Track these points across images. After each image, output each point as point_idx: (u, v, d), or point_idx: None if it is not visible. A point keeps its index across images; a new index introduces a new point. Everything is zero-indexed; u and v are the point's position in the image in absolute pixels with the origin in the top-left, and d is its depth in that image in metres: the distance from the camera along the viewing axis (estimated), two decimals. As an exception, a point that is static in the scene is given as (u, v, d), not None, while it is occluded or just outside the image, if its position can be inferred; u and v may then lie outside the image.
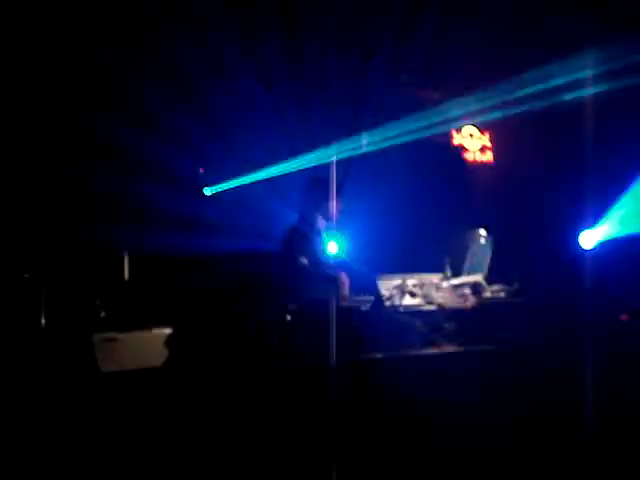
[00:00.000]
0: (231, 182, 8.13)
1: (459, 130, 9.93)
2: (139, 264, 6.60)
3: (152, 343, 4.18)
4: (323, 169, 7.39)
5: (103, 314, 4.99)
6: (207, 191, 8.13)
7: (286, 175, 7.99)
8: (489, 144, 10.08)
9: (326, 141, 7.89)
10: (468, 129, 9.99)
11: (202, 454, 3.48)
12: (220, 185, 8.15)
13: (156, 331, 4.28)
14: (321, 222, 5.57)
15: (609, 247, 7.16)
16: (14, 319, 4.95)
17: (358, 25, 7.31)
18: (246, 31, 7.09)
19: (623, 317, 3.82)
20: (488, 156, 10.06)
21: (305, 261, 5.28)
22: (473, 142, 10.04)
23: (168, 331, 4.30)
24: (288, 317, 4.34)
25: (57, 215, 6.76)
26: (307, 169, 7.87)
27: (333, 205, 5.50)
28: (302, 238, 5.44)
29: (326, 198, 5.48)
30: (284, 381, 3.73)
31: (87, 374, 3.72)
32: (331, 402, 3.65)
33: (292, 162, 8.08)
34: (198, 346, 4.26)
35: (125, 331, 4.20)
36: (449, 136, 9.77)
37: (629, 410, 3.79)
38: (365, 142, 8.42)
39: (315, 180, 5.60)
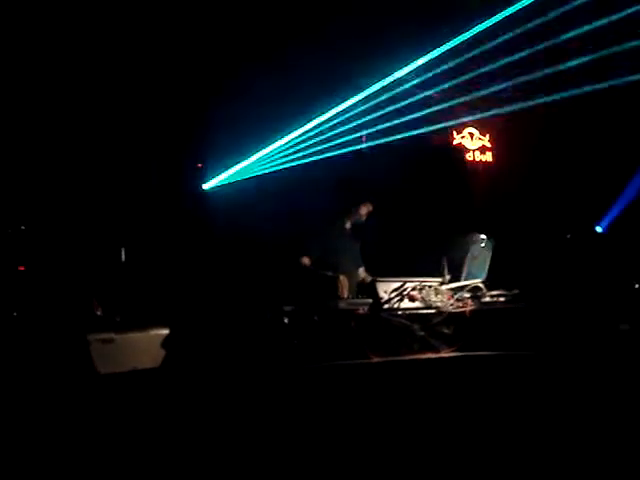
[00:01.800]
0: (233, 177, 8.11)
1: (459, 130, 9.91)
2: (137, 263, 6.59)
3: (150, 343, 4.16)
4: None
5: (99, 313, 4.98)
6: (205, 186, 8.10)
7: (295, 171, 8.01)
8: (489, 145, 10.06)
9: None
10: (468, 129, 9.97)
11: (199, 456, 3.47)
12: (220, 181, 8.12)
13: (154, 332, 4.26)
14: (349, 222, 5.61)
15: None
16: (10, 316, 4.95)
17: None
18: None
19: (623, 326, 3.80)
20: (488, 157, 10.03)
21: (307, 261, 5.28)
22: (473, 142, 10.02)
23: (166, 332, 4.29)
24: (285, 320, 4.32)
25: (54, 210, 6.74)
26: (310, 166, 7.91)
27: (367, 208, 5.56)
28: (312, 238, 5.45)
29: (359, 200, 5.55)
30: (281, 383, 3.72)
31: (83, 375, 3.72)
32: (329, 404, 3.63)
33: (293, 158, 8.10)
34: (196, 347, 4.25)
35: (122, 332, 4.18)
36: (449, 136, 9.76)
37: (627, 415, 3.78)
38: (365, 141, 8.42)
39: (347, 181, 5.66)
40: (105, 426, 3.35)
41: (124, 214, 7.02)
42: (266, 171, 8.14)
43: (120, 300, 5.48)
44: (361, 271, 5.56)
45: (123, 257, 6.56)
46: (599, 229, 8.23)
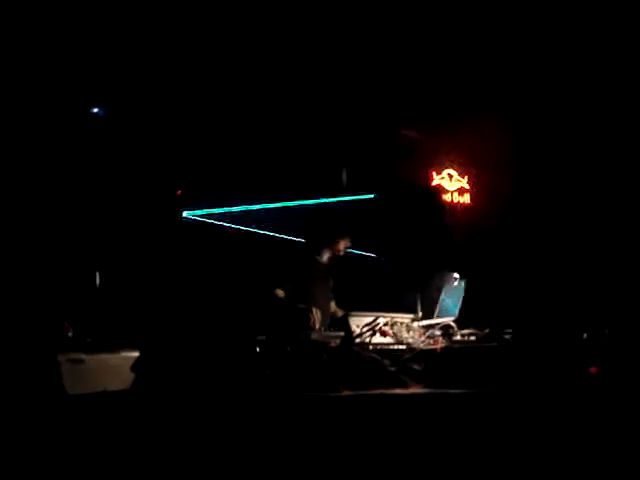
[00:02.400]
0: (215, 209, 8.14)
1: (439, 171, 10.04)
2: (112, 285, 6.56)
3: (120, 366, 4.14)
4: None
5: (71, 334, 4.95)
6: (185, 214, 8.11)
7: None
8: (467, 186, 10.19)
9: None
10: (447, 170, 10.10)
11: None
12: (202, 210, 8.14)
13: (125, 354, 4.25)
14: (326, 256, 5.65)
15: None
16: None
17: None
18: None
19: (592, 370, 3.84)
20: (466, 198, 10.16)
21: (280, 293, 5.31)
22: (452, 184, 10.14)
23: (136, 354, 4.27)
24: (257, 349, 4.33)
25: (27, 229, 6.71)
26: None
27: (346, 242, 5.61)
28: (287, 270, 5.49)
29: (340, 235, 5.59)
30: (251, 412, 3.72)
31: (52, 395, 3.69)
32: (295, 437, 3.64)
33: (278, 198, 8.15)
34: (167, 372, 4.24)
35: (93, 352, 4.16)
36: (428, 177, 9.89)
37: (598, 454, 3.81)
38: (345, 178, 8.51)
39: (328, 213, 5.72)
40: (70, 446, 3.33)
41: (101, 235, 7.00)
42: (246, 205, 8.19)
43: (92, 321, 5.46)
44: (332, 305, 5.61)
45: (97, 279, 6.54)
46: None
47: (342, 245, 5.69)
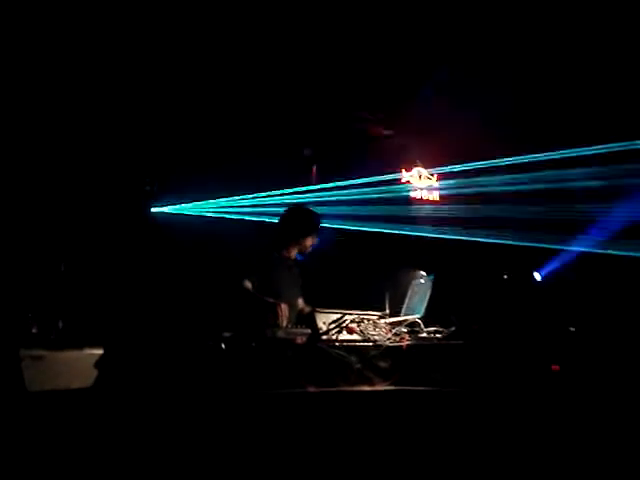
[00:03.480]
0: (185, 204, 8.10)
1: (408, 168, 10.07)
2: (77, 280, 6.49)
3: (83, 363, 4.08)
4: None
5: (35, 330, 4.87)
6: (155, 208, 8.06)
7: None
8: (436, 184, 10.24)
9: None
10: (417, 169, 10.14)
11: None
12: (172, 204, 8.10)
13: (88, 351, 4.19)
14: (293, 252, 5.64)
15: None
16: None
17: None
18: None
19: (554, 367, 3.88)
20: (435, 196, 10.20)
21: (249, 285, 5.28)
22: (421, 182, 10.18)
23: (100, 352, 4.21)
24: (222, 345, 4.29)
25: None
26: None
27: (313, 239, 5.60)
28: (255, 264, 5.46)
29: (308, 231, 5.58)
30: (216, 409, 3.70)
31: (13, 392, 3.63)
32: (263, 432, 3.62)
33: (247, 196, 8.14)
34: (130, 368, 4.19)
35: (55, 349, 4.10)
36: (398, 173, 9.91)
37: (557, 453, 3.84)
38: (315, 173, 8.50)
39: (299, 211, 5.70)
40: (32, 446, 3.29)
41: (66, 229, 6.92)
42: (214, 201, 8.17)
43: (57, 318, 5.38)
44: (300, 301, 5.59)
45: (62, 273, 6.46)
46: (537, 275, 8.39)
47: (309, 242, 5.70)
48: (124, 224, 7.37)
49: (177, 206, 8.08)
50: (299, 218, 5.72)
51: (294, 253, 5.72)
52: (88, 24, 6.58)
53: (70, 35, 6.60)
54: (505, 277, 6.69)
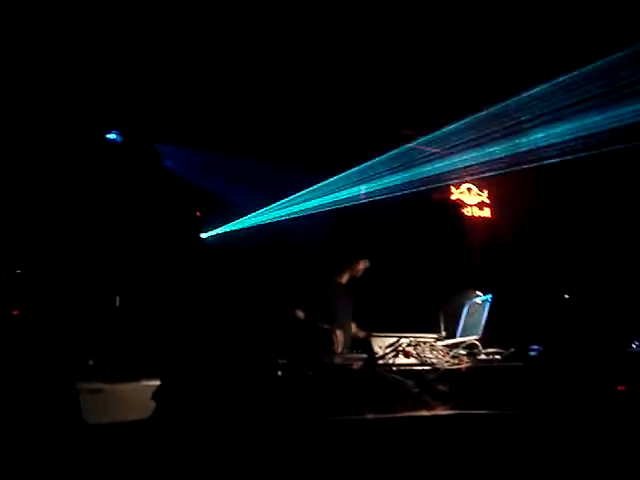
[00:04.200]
0: (230, 225, 8.12)
1: (457, 185, 9.95)
2: (132, 312, 6.54)
3: (140, 395, 4.09)
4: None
5: (91, 362, 4.92)
6: (204, 235, 8.10)
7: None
8: (487, 200, 10.09)
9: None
10: (466, 185, 10.01)
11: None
12: (218, 229, 8.13)
13: (145, 383, 4.20)
14: (345, 278, 5.63)
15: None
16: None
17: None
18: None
19: (620, 387, 3.75)
20: (486, 212, 10.06)
21: (301, 314, 5.26)
22: (471, 198, 10.05)
23: (157, 383, 4.23)
24: (279, 372, 4.27)
25: (49, 256, 6.72)
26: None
27: (365, 263, 5.60)
28: (309, 291, 5.45)
29: (360, 255, 5.58)
30: (274, 438, 3.66)
31: (72, 426, 3.65)
32: (324, 461, 3.57)
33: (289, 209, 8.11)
34: (187, 399, 4.19)
35: (112, 382, 4.12)
36: (447, 192, 9.80)
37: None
38: (363, 193, 8.45)
39: (344, 235, 5.73)
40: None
41: (121, 261, 7.00)
42: (264, 222, 8.16)
43: (113, 349, 5.43)
44: (353, 326, 5.55)
45: (117, 305, 6.52)
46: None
47: (361, 266, 5.67)
48: (177, 253, 7.43)
49: (224, 227, 8.09)
50: (346, 244, 5.71)
51: (346, 278, 5.70)
52: (95, 32, 6.63)
53: (90, 45, 6.65)
54: (566, 297, 6.54)
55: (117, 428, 3.66)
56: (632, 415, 3.72)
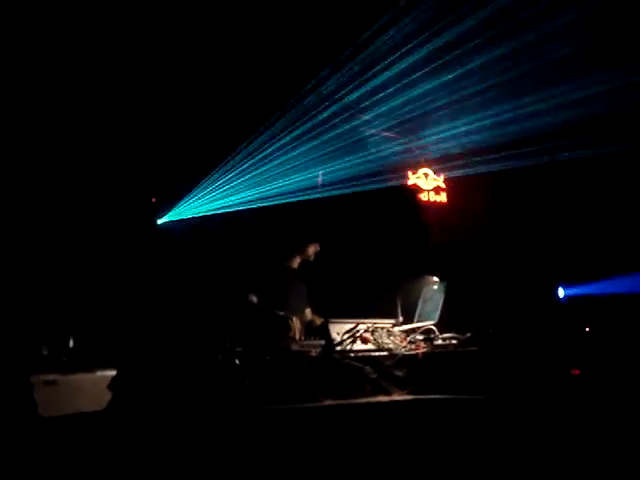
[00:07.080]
0: (186, 212, 8.04)
1: (414, 170, 9.98)
2: (87, 301, 6.45)
3: (95, 386, 4.03)
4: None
5: (45, 352, 4.83)
6: (159, 221, 8.01)
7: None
8: (443, 185, 10.14)
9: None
10: (423, 170, 10.04)
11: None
12: (174, 215, 8.04)
13: (99, 373, 4.14)
14: (296, 262, 5.59)
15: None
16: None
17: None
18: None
19: (574, 371, 3.81)
20: (442, 197, 10.10)
21: (255, 299, 5.23)
22: (427, 182, 10.08)
23: (112, 373, 4.17)
24: (237, 360, 4.25)
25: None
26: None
27: (317, 248, 5.56)
28: (260, 276, 5.42)
29: (309, 240, 5.54)
30: (230, 426, 3.64)
31: (25, 419, 3.59)
32: (280, 448, 3.57)
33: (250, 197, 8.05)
34: (144, 389, 4.15)
35: (67, 373, 4.05)
36: (404, 177, 9.82)
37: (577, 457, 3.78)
38: (320, 181, 8.42)
39: (296, 220, 5.69)
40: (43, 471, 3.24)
41: (74, 247, 6.89)
42: (217, 209, 8.10)
43: (67, 340, 5.34)
44: (308, 312, 5.54)
45: (71, 294, 6.43)
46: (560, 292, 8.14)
47: (312, 250, 5.64)
48: (132, 240, 7.33)
49: (178, 210, 8.00)
50: (298, 228, 5.70)
51: (297, 263, 5.67)
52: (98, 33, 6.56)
53: (90, 48, 6.58)
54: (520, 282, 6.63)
55: (72, 420, 3.60)
56: (586, 398, 3.79)
